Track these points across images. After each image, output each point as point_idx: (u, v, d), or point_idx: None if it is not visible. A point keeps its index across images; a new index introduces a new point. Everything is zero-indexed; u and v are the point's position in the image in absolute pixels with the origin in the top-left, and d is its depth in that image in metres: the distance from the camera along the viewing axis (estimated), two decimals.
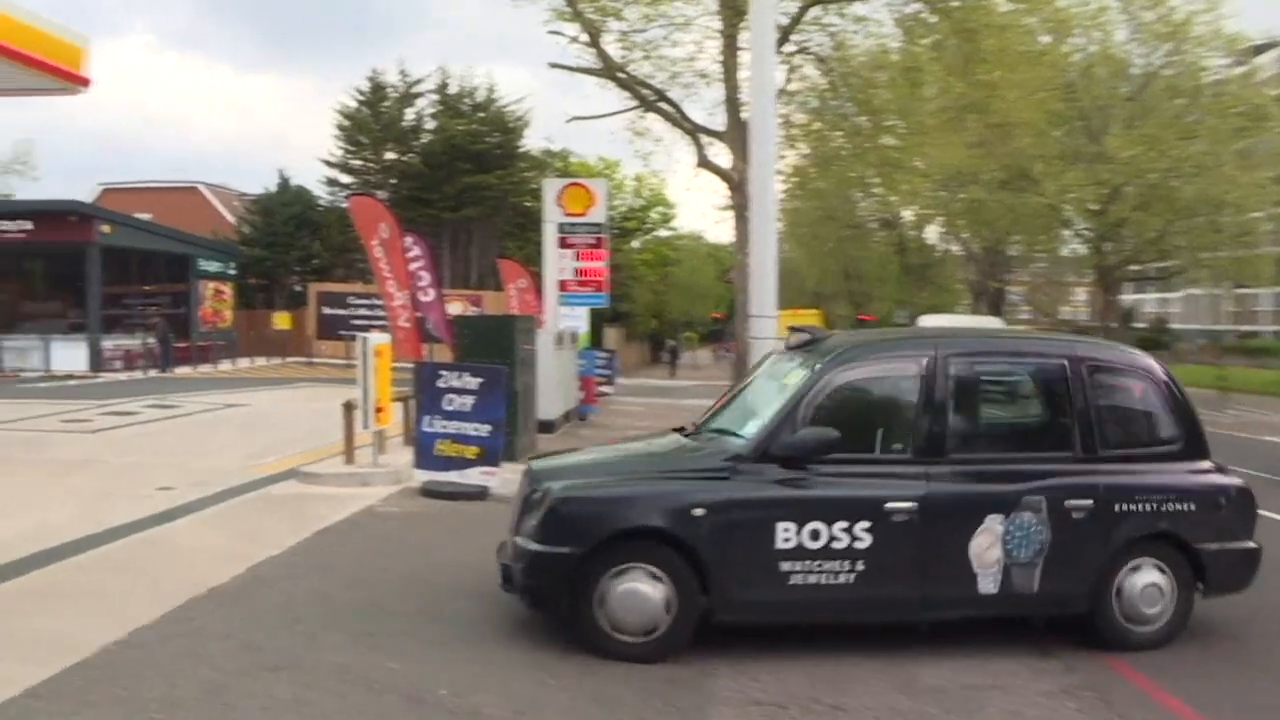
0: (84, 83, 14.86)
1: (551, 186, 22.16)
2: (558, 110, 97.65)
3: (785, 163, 28.80)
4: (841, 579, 6.11)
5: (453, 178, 47.98)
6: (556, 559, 6.06)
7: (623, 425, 18.70)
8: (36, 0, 13.64)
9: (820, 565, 6.08)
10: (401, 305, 16.38)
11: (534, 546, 6.16)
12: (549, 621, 6.45)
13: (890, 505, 6.12)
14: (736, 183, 21.31)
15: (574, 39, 22.92)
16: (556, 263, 21.71)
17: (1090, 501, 6.34)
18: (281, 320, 43.35)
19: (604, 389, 24.78)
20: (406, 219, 26.06)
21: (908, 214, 44.96)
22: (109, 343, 32.97)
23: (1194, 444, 6.71)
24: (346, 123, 51.03)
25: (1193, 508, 6.49)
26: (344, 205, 43.95)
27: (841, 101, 24.07)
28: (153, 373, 32.06)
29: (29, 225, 32.38)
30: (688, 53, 31.10)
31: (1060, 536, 6.29)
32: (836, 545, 6.08)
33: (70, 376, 29.79)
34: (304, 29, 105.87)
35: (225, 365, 36.50)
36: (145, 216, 41.58)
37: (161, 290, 37.82)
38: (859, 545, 6.09)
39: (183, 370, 33.36)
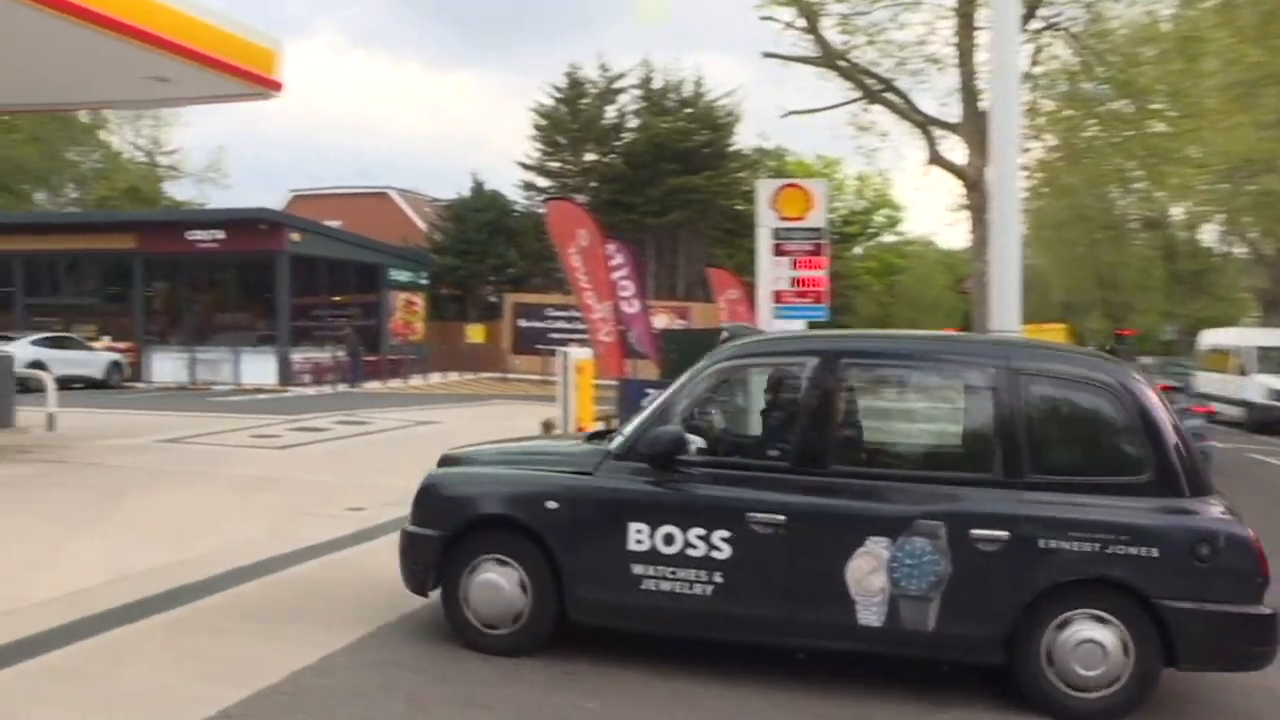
0: (277, 87, 15.86)
1: (765, 188, 22.16)
2: (771, 104, 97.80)
3: (1029, 156, 27.92)
4: (698, 590, 6.17)
5: (657, 179, 48.79)
6: (424, 541, 6.74)
7: None
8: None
9: (675, 572, 6.19)
10: (601, 318, 16.73)
11: (408, 527, 6.89)
12: (751, 657, 6.48)
13: (753, 515, 6.10)
14: (973, 180, 20.84)
15: (789, 24, 22.97)
16: (771, 271, 21.67)
17: (1005, 533, 5.82)
18: (475, 333, 44.98)
19: None
20: (607, 224, 26.61)
21: (1178, 212, 42.88)
22: (298, 355, 34.98)
23: (1168, 476, 5.89)
24: (543, 122, 52.63)
25: (1154, 554, 5.71)
26: (541, 210, 45.24)
27: (1097, 84, 23.23)
28: (341, 387, 33.81)
29: (221, 235, 34.75)
30: (917, 35, 30.67)
31: (963, 570, 5.86)
32: (692, 553, 6.17)
33: (259, 390, 31.77)
34: (497, 22, 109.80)
35: (416, 380, 38.11)
36: (334, 224, 43.93)
37: (351, 301, 39.87)
38: (717, 555, 6.14)
39: (372, 385, 35.05)
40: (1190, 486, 5.88)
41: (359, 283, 40.28)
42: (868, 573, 5.94)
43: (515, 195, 53.95)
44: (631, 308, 18.04)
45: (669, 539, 6.19)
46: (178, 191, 60.85)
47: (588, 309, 16.77)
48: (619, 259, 18.24)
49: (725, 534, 6.12)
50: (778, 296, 21.73)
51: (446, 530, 6.65)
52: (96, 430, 18.23)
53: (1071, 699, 5.82)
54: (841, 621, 5.99)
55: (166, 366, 34.65)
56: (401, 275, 42.40)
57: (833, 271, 26.40)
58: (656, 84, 52.50)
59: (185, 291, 37.30)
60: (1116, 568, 5.72)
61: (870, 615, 5.95)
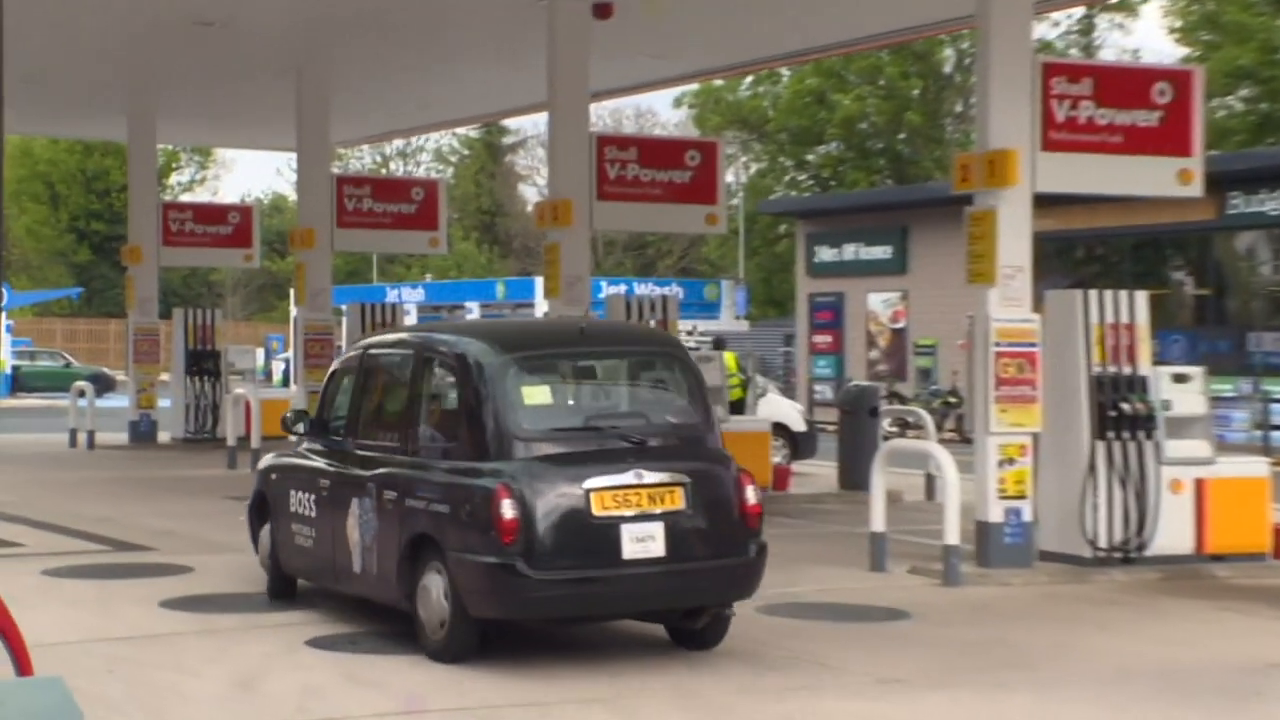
0: None
1: None
2: None
3: None
4: (310, 543, 11.52)
5: None
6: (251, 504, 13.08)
7: None
8: None
9: (301, 529, 11.62)
10: None
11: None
12: None
13: (320, 480, 11.44)
14: None
15: None
16: None
17: (395, 494, 10.33)
18: None
19: None
20: None
21: None
22: None
23: (469, 442, 10.09)
24: None
25: (447, 510, 9.90)
26: None
27: None
28: None
29: None
30: None
31: (381, 525, 10.41)
32: (303, 512, 11.59)
33: None
34: None
35: None
36: None
37: None
38: (310, 514, 11.50)
39: None
40: (492, 451, 9.93)
41: None
42: (354, 527, 10.74)
43: None
44: None
45: (300, 502, 11.63)
46: None
47: None
48: None
49: (312, 496, 11.48)
50: None
51: (252, 500, 12.62)
52: None
53: (430, 642, 9.94)
54: (349, 569, 10.89)
55: None
56: None
57: None
58: None
59: None
60: (430, 524, 10.04)
61: (358, 562, 10.72)
